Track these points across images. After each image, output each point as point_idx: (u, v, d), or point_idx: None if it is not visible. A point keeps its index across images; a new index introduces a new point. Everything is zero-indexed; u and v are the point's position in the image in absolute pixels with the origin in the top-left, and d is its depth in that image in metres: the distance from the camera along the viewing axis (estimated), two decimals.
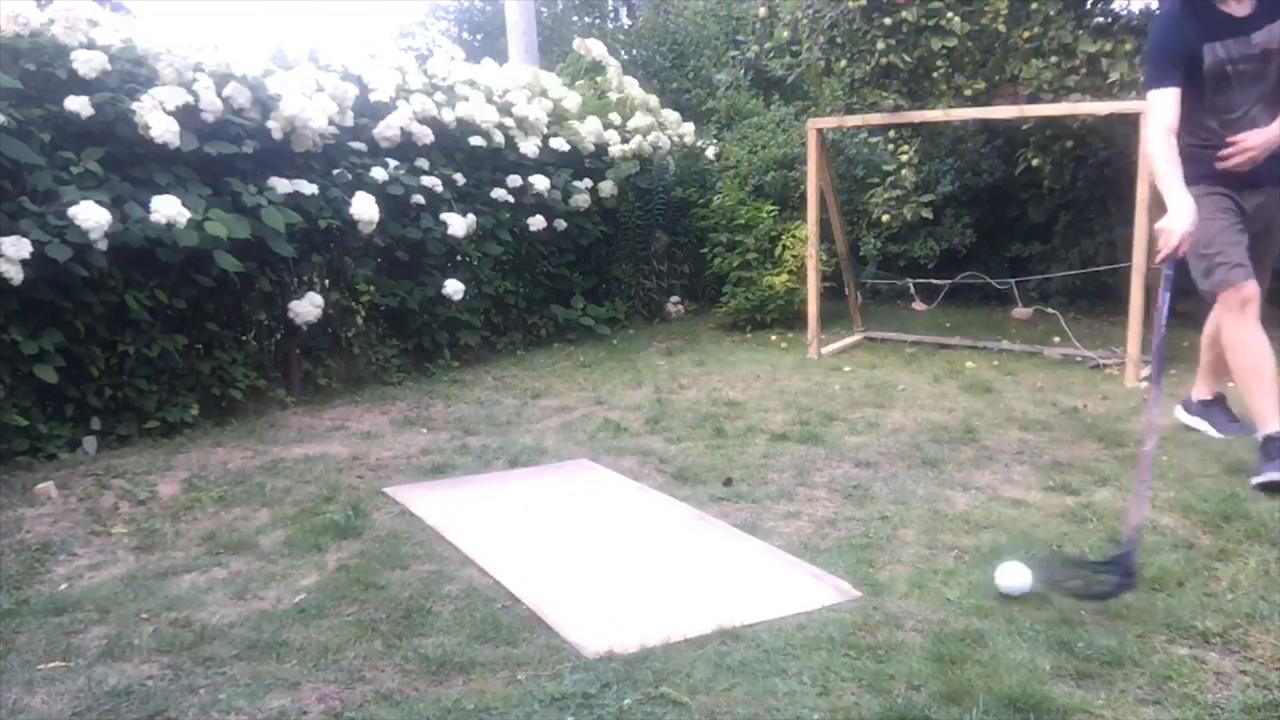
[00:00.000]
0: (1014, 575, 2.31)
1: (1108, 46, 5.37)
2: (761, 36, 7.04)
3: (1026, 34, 5.58)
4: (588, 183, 6.19)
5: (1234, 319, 3.17)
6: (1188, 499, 2.98)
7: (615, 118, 6.61)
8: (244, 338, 4.54)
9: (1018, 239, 7.22)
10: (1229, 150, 3.15)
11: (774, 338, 6.14)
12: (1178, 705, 1.84)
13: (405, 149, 5.07)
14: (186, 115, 3.91)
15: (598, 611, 2.31)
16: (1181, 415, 3.68)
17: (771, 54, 6.87)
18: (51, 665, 2.08)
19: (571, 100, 6.43)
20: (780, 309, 6.31)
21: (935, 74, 5.58)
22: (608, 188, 6.31)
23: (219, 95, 4.05)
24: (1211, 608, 2.23)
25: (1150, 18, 5.67)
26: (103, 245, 3.58)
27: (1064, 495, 3.09)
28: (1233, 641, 2.09)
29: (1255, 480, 2.99)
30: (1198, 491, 3.05)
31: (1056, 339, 5.67)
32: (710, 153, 7.30)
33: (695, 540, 2.80)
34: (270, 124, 4.25)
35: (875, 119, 5.69)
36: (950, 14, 5.51)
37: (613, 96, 7.02)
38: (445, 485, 3.36)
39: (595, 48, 7.45)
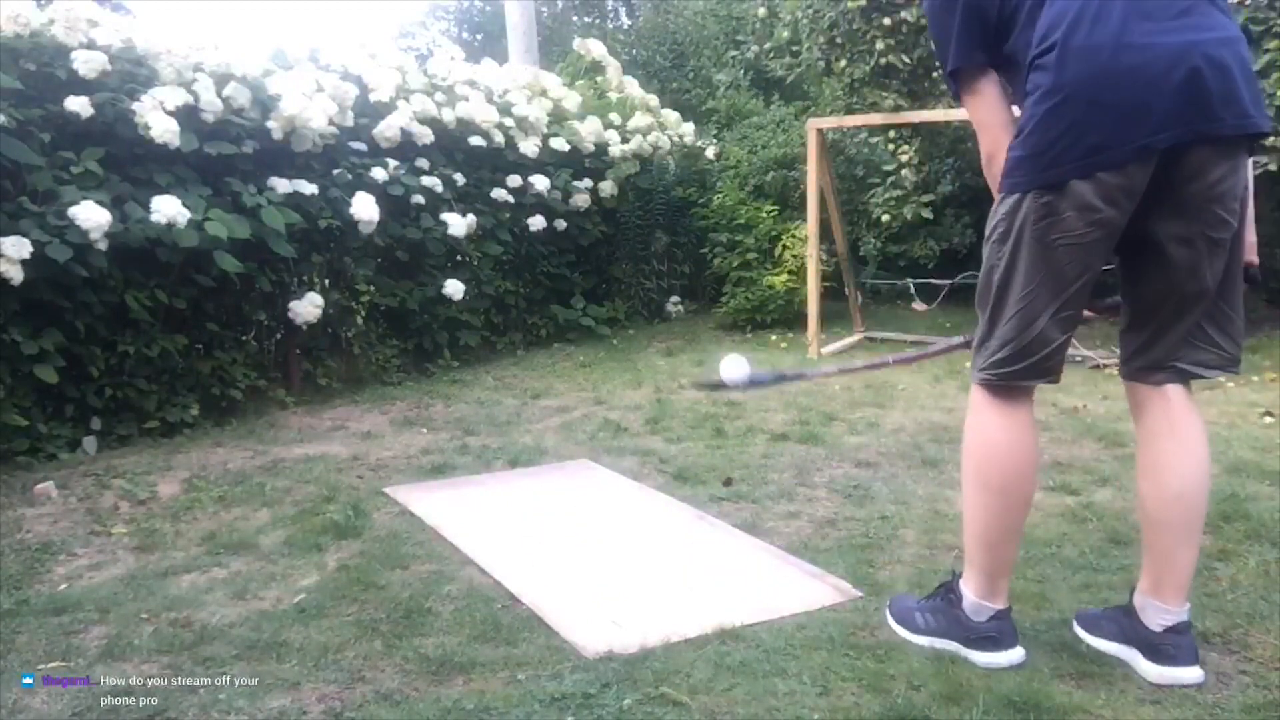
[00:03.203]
0: (734, 366, 2.38)
1: None
2: (761, 36, 7.05)
3: None
4: (588, 183, 6.19)
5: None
6: None
7: (615, 118, 6.61)
8: (244, 338, 4.54)
9: None
10: None
11: (774, 338, 6.14)
12: (1178, 705, 1.84)
13: (405, 149, 5.07)
14: (186, 115, 3.91)
15: (598, 611, 2.31)
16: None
17: (771, 54, 6.88)
18: (51, 665, 2.08)
19: (571, 100, 6.44)
20: (780, 309, 6.31)
21: (935, 74, 5.58)
22: (608, 188, 6.31)
23: (219, 95, 4.05)
24: (1211, 608, 2.23)
25: None
26: (103, 245, 3.58)
27: (1064, 495, 3.09)
28: (1233, 641, 2.08)
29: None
30: None
31: None
32: (710, 153, 7.30)
33: (695, 540, 2.80)
34: (270, 124, 4.25)
35: (875, 119, 5.69)
36: None
37: (613, 96, 7.02)
38: (445, 485, 3.36)
39: (595, 48, 7.45)
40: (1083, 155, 1.72)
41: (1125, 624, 1.99)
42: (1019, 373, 1.88)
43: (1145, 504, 1.95)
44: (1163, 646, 1.91)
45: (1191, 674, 1.89)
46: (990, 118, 1.89)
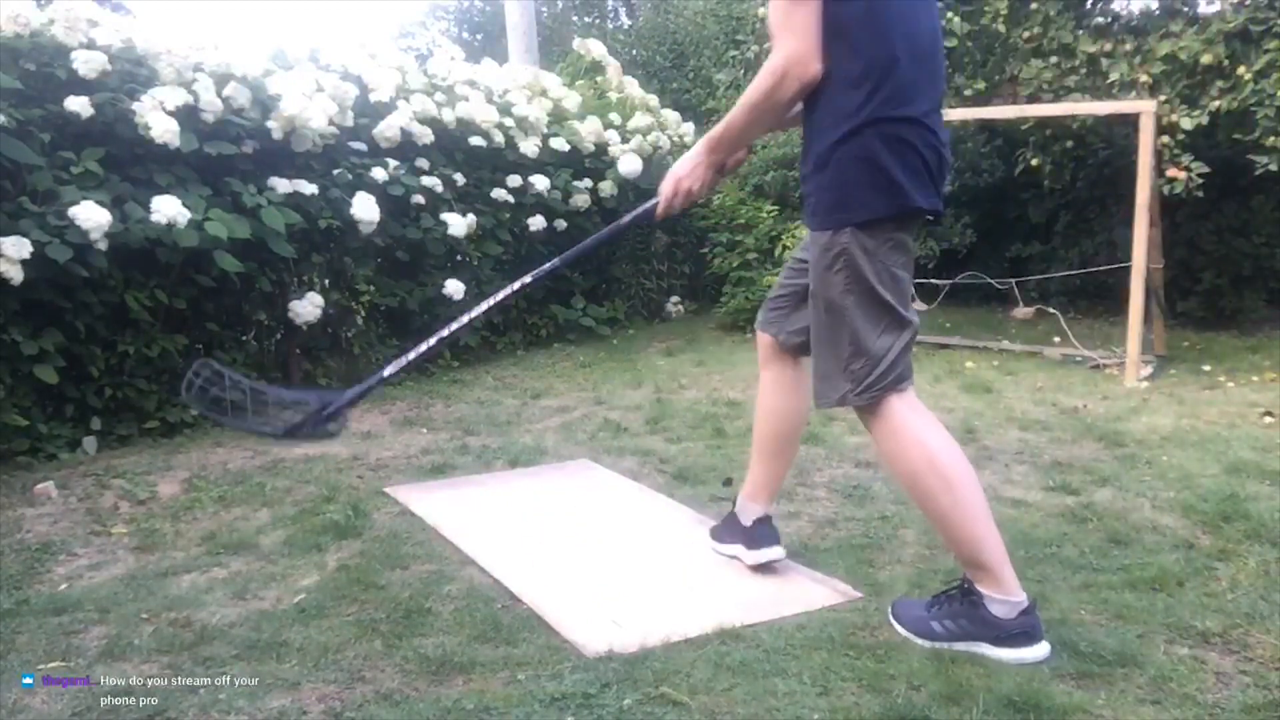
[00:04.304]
0: None
1: (1107, 46, 5.38)
2: (761, 36, 7.04)
3: (1026, 34, 5.59)
4: (588, 183, 6.19)
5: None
6: (1188, 499, 2.98)
7: (615, 118, 6.61)
8: (244, 338, 4.54)
9: (1018, 239, 7.24)
10: None
11: None
12: (1178, 705, 1.84)
13: (405, 149, 5.07)
14: (186, 115, 3.91)
15: (598, 611, 2.31)
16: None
17: None
18: (51, 665, 2.08)
19: (571, 100, 6.43)
20: None
21: None
22: (608, 188, 6.31)
23: (219, 95, 4.04)
24: (1211, 608, 2.24)
25: (1150, 18, 5.67)
26: (103, 245, 3.58)
27: (1064, 495, 3.09)
28: (1233, 641, 2.09)
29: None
30: (1198, 491, 3.05)
31: (1056, 339, 5.67)
32: None
33: (695, 540, 2.80)
34: (270, 124, 4.25)
35: None
36: (950, 14, 5.52)
37: (613, 96, 7.02)
38: (445, 485, 3.36)
39: (595, 48, 7.45)
40: (915, 197, 2.02)
41: (735, 530, 2.56)
42: (903, 375, 2.10)
43: (779, 426, 2.46)
44: (758, 532, 2.50)
45: (777, 550, 2.49)
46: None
